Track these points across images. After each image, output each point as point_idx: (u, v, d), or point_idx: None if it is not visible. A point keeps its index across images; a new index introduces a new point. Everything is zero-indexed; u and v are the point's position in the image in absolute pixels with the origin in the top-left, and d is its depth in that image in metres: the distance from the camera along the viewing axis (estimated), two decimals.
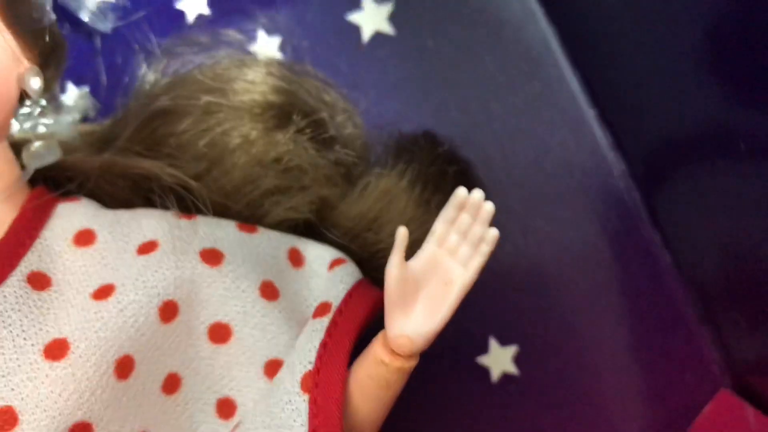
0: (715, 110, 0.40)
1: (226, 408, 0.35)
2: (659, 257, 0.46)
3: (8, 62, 0.35)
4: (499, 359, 0.45)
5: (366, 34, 0.47)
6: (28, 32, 0.36)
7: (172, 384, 0.34)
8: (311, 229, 0.40)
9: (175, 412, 0.34)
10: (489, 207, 0.32)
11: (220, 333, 0.35)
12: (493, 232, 0.32)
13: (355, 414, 0.33)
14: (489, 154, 0.46)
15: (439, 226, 0.32)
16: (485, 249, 0.32)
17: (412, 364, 0.33)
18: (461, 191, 0.32)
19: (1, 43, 0.35)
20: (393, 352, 0.32)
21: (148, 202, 0.38)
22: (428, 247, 0.32)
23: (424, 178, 0.39)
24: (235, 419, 0.34)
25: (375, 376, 0.32)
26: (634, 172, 0.46)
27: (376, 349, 0.33)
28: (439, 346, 0.45)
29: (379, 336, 0.33)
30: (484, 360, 0.45)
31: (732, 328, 0.44)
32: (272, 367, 0.35)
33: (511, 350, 0.45)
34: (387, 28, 0.47)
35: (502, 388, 0.45)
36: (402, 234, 0.31)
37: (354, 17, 0.47)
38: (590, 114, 0.46)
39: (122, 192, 0.38)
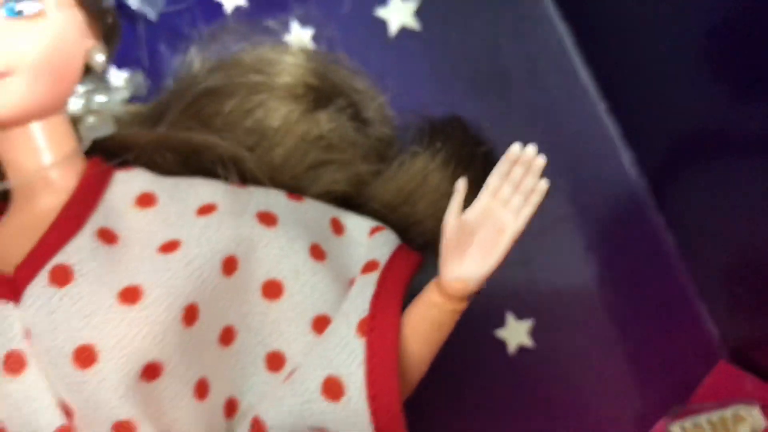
0: (717, 102, 0.43)
1: (275, 361, 0.37)
2: (664, 240, 0.49)
3: (78, 36, 0.38)
4: (516, 332, 0.48)
5: (393, 28, 0.50)
6: (94, 11, 0.39)
7: (228, 336, 0.37)
8: (351, 202, 0.42)
9: (229, 364, 0.37)
10: (541, 160, 0.35)
11: (273, 289, 0.37)
12: (544, 183, 0.35)
13: (408, 355, 0.36)
14: (507, 142, 0.49)
15: (493, 179, 0.35)
16: (535, 199, 0.35)
17: (463, 306, 0.36)
18: (516, 147, 0.35)
19: (73, 18, 0.37)
20: (447, 295, 0.35)
21: (198, 175, 0.41)
22: (483, 199, 0.35)
23: (456, 157, 0.42)
24: (285, 370, 0.37)
25: (429, 318, 0.35)
26: (642, 161, 0.50)
27: (430, 293, 0.35)
28: (459, 320, 0.49)
29: (432, 283, 0.36)
30: (501, 333, 0.48)
31: (729, 304, 0.48)
32: (320, 323, 0.37)
33: (527, 324, 0.48)
34: (413, 23, 0.50)
35: (518, 359, 0.48)
36: (461, 186, 0.34)
37: (382, 12, 0.50)
38: (602, 107, 0.50)
39: (173, 165, 0.41)
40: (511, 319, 0.48)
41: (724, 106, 0.43)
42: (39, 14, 0.36)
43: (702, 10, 0.41)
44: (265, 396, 0.37)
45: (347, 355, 0.35)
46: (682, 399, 0.48)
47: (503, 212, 0.35)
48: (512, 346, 0.48)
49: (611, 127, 0.50)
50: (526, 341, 0.48)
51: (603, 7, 0.48)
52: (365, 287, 0.37)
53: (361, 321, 0.35)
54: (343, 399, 0.35)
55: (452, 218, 0.34)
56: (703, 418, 0.43)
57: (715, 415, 0.43)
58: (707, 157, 0.46)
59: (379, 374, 0.34)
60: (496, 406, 0.48)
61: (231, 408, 0.37)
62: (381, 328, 0.35)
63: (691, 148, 0.47)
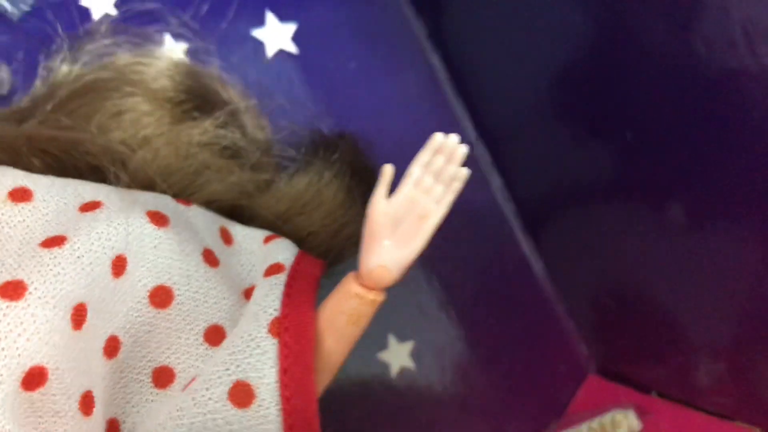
0: (570, 134, 0.47)
1: (163, 376, 0.34)
2: (532, 263, 0.51)
3: None
4: (398, 354, 0.47)
5: (270, 50, 0.49)
6: None
7: (112, 347, 0.33)
8: (242, 213, 0.40)
9: (112, 379, 0.33)
10: (463, 149, 0.35)
11: (161, 297, 0.34)
12: (465, 170, 0.35)
13: (323, 351, 0.34)
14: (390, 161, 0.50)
15: (415, 169, 0.35)
16: (457, 186, 0.35)
17: (383, 297, 0.34)
18: (438, 136, 0.35)
19: None
20: (367, 285, 0.34)
21: (73, 177, 0.37)
22: (405, 188, 0.34)
23: (350, 168, 0.42)
24: (174, 387, 0.33)
25: (347, 311, 0.34)
26: (510, 185, 0.52)
27: (349, 285, 0.34)
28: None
29: (350, 275, 0.34)
30: (384, 355, 0.47)
31: (595, 323, 0.50)
32: (213, 334, 0.34)
33: (409, 345, 0.48)
34: (290, 47, 0.50)
35: (401, 380, 0.47)
36: (387, 170, 0.33)
37: (258, 33, 0.49)
38: (473, 136, 0.52)
39: (45, 165, 0.37)
40: (393, 341, 0.48)
41: (575, 139, 0.47)
42: None
43: (553, 61, 0.45)
44: (150, 414, 0.33)
45: (258, 358, 0.32)
46: (557, 413, 0.49)
47: (426, 200, 0.35)
48: (395, 368, 0.47)
49: (481, 154, 0.52)
50: (408, 363, 0.48)
51: (475, 42, 0.51)
52: (273, 288, 0.35)
53: (272, 321, 0.33)
54: (253, 405, 0.32)
55: (379, 202, 0.34)
56: (584, 427, 0.44)
57: (595, 422, 0.44)
58: (571, 184, 0.49)
59: (294, 374, 0.32)
60: (382, 428, 0.46)
61: (112, 430, 0.33)
62: (295, 327, 0.33)
63: (555, 176, 0.50)
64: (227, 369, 0.32)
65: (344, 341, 0.34)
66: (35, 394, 0.29)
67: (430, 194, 0.35)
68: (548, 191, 0.51)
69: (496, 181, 0.52)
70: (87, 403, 0.31)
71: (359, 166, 0.42)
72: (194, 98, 0.41)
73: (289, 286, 0.34)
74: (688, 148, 0.39)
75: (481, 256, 0.51)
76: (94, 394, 0.32)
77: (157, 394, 0.34)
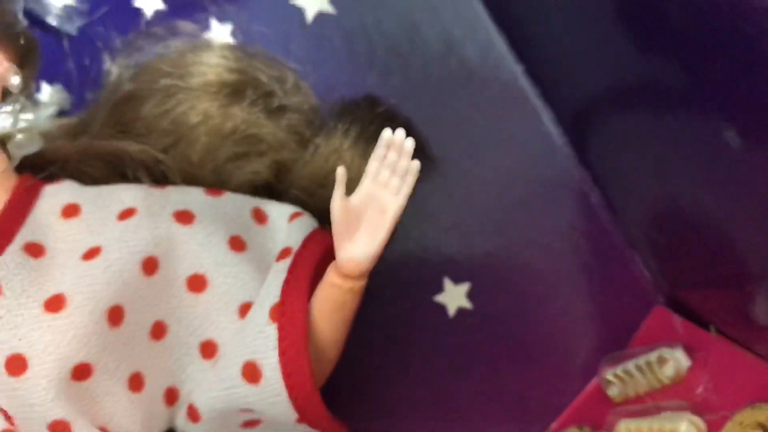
0: (623, 59, 0.44)
1: (209, 349, 0.40)
2: (590, 194, 0.51)
3: None
4: (454, 296, 0.50)
5: (309, 14, 0.51)
6: (3, 36, 0.40)
7: (159, 331, 0.39)
8: (272, 190, 0.44)
9: (164, 356, 0.39)
10: (409, 143, 0.36)
11: (197, 283, 0.39)
12: (416, 164, 0.36)
13: (318, 334, 0.38)
14: (429, 113, 0.50)
15: (372, 164, 0.37)
16: (411, 178, 0.37)
17: (361, 284, 0.38)
18: (386, 133, 0.36)
19: None
20: (344, 275, 0.37)
21: (124, 179, 0.43)
22: (365, 184, 0.37)
23: (366, 135, 0.44)
24: (218, 356, 0.39)
25: (331, 299, 0.37)
26: (562, 119, 0.51)
27: (329, 276, 0.37)
28: (399, 288, 0.51)
29: (332, 265, 0.38)
30: (440, 298, 0.50)
31: (659, 252, 0.49)
32: (246, 309, 0.39)
33: (465, 287, 0.50)
34: (328, 8, 0.51)
35: (459, 321, 0.50)
36: (340, 173, 0.36)
37: (297, 0, 0.51)
38: (519, 70, 0.51)
39: (99, 172, 0.43)
40: (448, 284, 0.50)
41: (634, 60, 0.44)
42: None
43: None
44: (200, 383, 0.39)
45: (262, 341, 0.37)
46: (622, 346, 0.50)
47: (384, 194, 0.36)
48: (452, 309, 0.50)
49: (529, 89, 0.51)
50: (466, 304, 0.50)
51: None
52: (278, 274, 0.39)
53: (273, 307, 0.37)
54: (262, 381, 0.37)
55: (337, 203, 0.36)
56: (631, 364, 0.45)
57: (642, 360, 0.44)
58: (624, 110, 0.47)
59: (291, 356, 0.37)
60: (442, 368, 0.50)
61: (171, 396, 0.40)
62: (290, 313, 0.37)
63: (608, 106, 0.48)
64: (240, 351, 0.38)
65: (333, 324, 0.38)
66: (86, 383, 0.36)
67: (387, 187, 0.36)
68: (603, 120, 0.49)
69: (548, 116, 0.51)
70: (136, 382, 0.38)
71: (376, 129, 0.44)
72: (238, 83, 0.45)
73: (290, 272, 0.38)
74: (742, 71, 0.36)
75: (537, 193, 0.51)
76: (144, 372, 0.38)
77: (205, 363, 0.40)
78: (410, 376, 0.50)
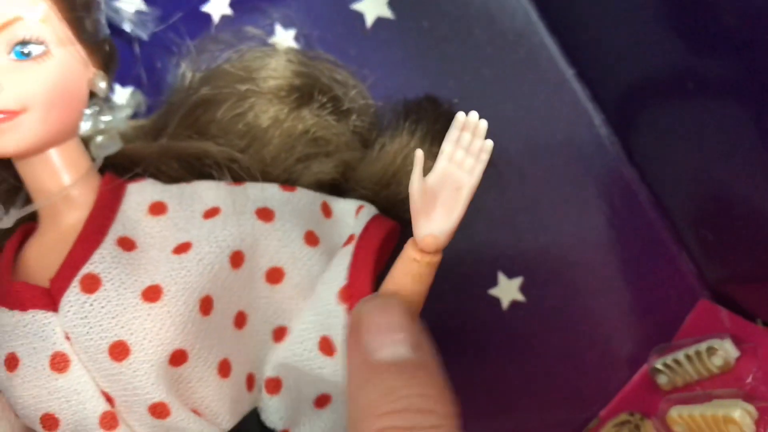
0: (669, 58, 0.47)
1: (281, 334, 0.43)
2: (638, 192, 0.53)
3: (80, 68, 0.42)
4: (508, 290, 0.52)
5: (369, 20, 0.54)
6: (92, 44, 0.43)
7: (241, 320, 0.42)
8: (341, 188, 0.47)
9: (245, 344, 0.42)
10: (483, 123, 0.39)
11: (275, 275, 0.42)
12: (489, 143, 0.39)
13: None
14: (484, 114, 0.52)
15: (447, 145, 0.39)
16: (484, 157, 0.39)
17: (438, 258, 0.40)
18: (461, 114, 0.39)
19: (75, 53, 0.42)
20: (422, 250, 0.39)
21: (201, 178, 0.45)
22: (440, 163, 0.39)
23: (431, 133, 0.46)
24: (287, 339, 0.42)
25: (410, 272, 0.39)
26: (612, 120, 0.53)
27: (408, 251, 0.40)
28: (456, 282, 0.53)
29: (409, 241, 0.40)
30: (494, 291, 0.53)
31: (705, 246, 0.51)
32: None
33: (518, 281, 0.52)
34: (387, 13, 0.54)
35: (512, 314, 0.52)
36: (419, 155, 0.38)
37: (357, 5, 0.54)
38: (570, 73, 0.53)
39: (178, 172, 0.46)
40: (502, 278, 0.53)
41: (681, 60, 0.46)
42: (44, 54, 0.40)
43: None
44: (274, 360, 0.42)
45: (333, 320, 0.40)
46: (668, 338, 0.52)
47: (459, 172, 0.39)
48: (506, 302, 0.52)
49: (580, 91, 0.53)
50: (519, 297, 0.52)
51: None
52: (343, 258, 0.42)
53: (341, 289, 0.40)
54: (336, 355, 0.40)
55: (416, 184, 0.38)
56: (681, 354, 0.47)
57: (691, 350, 0.47)
58: (671, 112, 0.49)
59: None
60: (496, 358, 0.52)
61: (251, 382, 0.42)
62: (358, 295, 0.40)
63: (656, 105, 0.50)
64: (314, 327, 0.41)
65: (413, 296, 0.40)
66: (181, 368, 0.39)
67: (462, 166, 0.39)
68: (651, 121, 0.51)
69: (598, 117, 0.53)
70: (224, 368, 0.41)
71: (441, 127, 0.46)
72: (306, 87, 0.47)
73: (355, 256, 0.41)
74: None
75: (587, 191, 0.53)
76: (231, 359, 0.41)
77: (277, 347, 0.42)
78: (466, 366, 0.52)
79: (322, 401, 0.43)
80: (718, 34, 0.42)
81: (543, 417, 0.52)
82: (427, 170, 0.41)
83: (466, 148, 0.38)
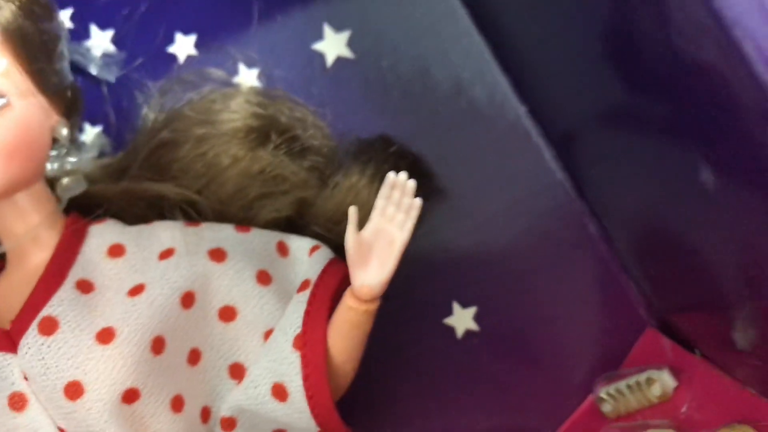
0: (612, 96, 0.48)
1: (237, 370, 0.44)
2: (588, 224, 0.55)
3: (42, 118, 0.44)
4: (462, 319, 0.54)
5: (329, 59, 0.56)
6: (54, 93, 0.45)
7: (194, 357, 0.44)
8: (294, 225, 0.49)
9: (199, 379, 0.44)
10: (411, 183, 0.42)
11: (228, 313, 0.44)
12: (418, 201, 0.42)
13: (337, 353, 0.43)
14: (438, 150, 0.55)
15: (380, 201, 0.42)
16: (414, 213, 0.42)
17: (375, 306, 0.43)
18: (391, 175, 0.41)
19: (36, 104, 0.44)
20: (359, 299, 0.42)
21: (162, 216, 0.48)
22: (374, 219, 0.42)
23: (381, 172, 0.48)
24: (246, 377, 0.44)
25: (348, 320, 0.42)
26: (562, 156, 0.55)
27: (346, 299, 0.43)
28: (411, 312, 0.55)
29: (348, 290, 0.43)
30: (449, 320, 0.55)
31: (650, 277, 0.53)
32: (269, 334, 0.44)
33: (472, 311, 0.54)
34: (347, 53, 0.56)
35: (466, 342, 0.54)
36: (352, 211, 0.41)
37: (318, 45, 0.56)
38: (522, 110, 0.55)
39: (140, 211, 0.48)
40: (457, 308, 0.55)
41: (622, 99, 0.48)
42: (5, 107, 0.42)
43: (591, 22, 0.46)
44: (230, 399, 0.44)
45: (287, 366, 0.42)
46: (616, 365, 0.54)
47: (391, 227, 0.41)
48: (460, 331, 0.55)
49: (531, 128, 0.55)
50: (473, 326, 0.54)
51: (516, 22, 0.53)
52: (298, 305, 0.44)
53: (296, 337, 0.43)
54: (288, 400, 0.42)
55: (350, 237, 0.41)
56: (623, 384, 0.49)
57: (632, 380, 0.49)
58: (615, 149, 0.51)
59: (313, 380, 0.42)
60: (450, 386, 0.54)
61: (206, 415, 0.45)
62: (312, 342, 0.42)
63: (601, 141, 0.52)
64: (268, 373, 0.43)
65: (351, 342, 0.43)
66: (134, 406, 0.41)
67: (393, 222, 0.41)
68: (598, 157, 0.53)
69: (548, 152, 0.55)
70: (177, 404, 0.43)
71: (390, 167, 0.48)
72: (264, 127, 0.50)
73: (310, 304, 0.43)
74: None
75: (539, 224, 0.55)
76: (184, 395, 0.43)
77: (233, 383, 0.45)
78: (420, 393, 0.54)
79: None
80: (651, 76, 0.44)
81: None
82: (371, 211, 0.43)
83: (397, 205, 0.41)
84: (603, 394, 0.50)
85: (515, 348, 0.55)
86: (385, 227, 0.41)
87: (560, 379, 0.54)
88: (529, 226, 0.55)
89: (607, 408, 0.50)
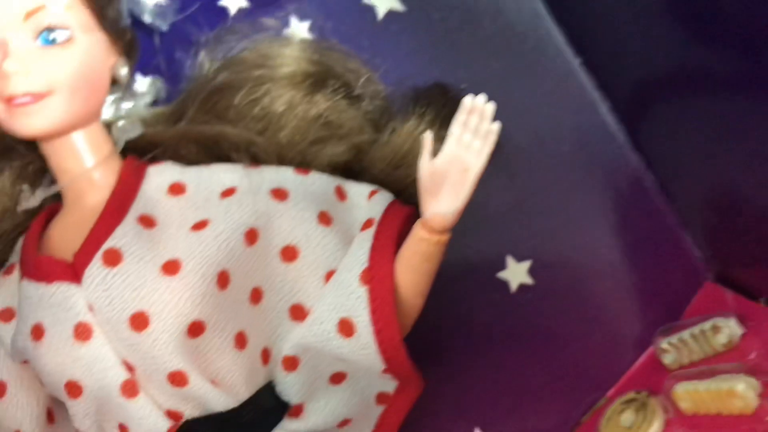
0: (680, 44, 0.48)
1: (297, 312, 0.44)
2: (644, 177, 0.54)
3: (103, 54, 0.44)
4: (516, 273, 0.54)
5: (380, 12, 0.55)
6: (114, 32, 0.45)
7: (256, 296, 0.43)
8: (352, 171, 0.48)
9: (259, 319, 0.43)
10: (490, 107, 0.40)
11: (289, 253, 0.44)
12: (496, 125, 0.40)
13: (405, 287, 0.42)
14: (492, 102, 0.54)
15: (455, 128, 0.41)
16: (491, 139, 0.41)
17: (446, 238, 0.42)
18: (468, 99, 0.40)
19: (98, 40, 0.43)
20: (431, 230, 0.41)
21: (219, 161, 0.47)
22: (448, 146, 0.41)
23: (440, 118, 0.47)
24: (308, 317, 0.43)
25: (419, 252, 0.41)
26: (618, 108, 0.54)
27: (417, 230, 0.41)
28: (465, 265, 0.55)
29: (418, 222, 0.42)
30: (503, 275, 0.54)
31: (709, 230, 0.52)
32: (330, 276, 0.44)
33: (526, 264, 0.54)
34: (398, 6, 0.55)
35: (520, 297, 0.53)
36: (428, 137, 0.40)
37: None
38: (576, 63, 0.55)
39: (196, 156, 0.47)
40: (511, 262, 0.54)
41: (687, 49, 0.48)
42: (69, 40, 0.42)
43: None
44: (292, 339, 0.43)
45: (354, 301, 0.41)
46: (673, 320, 0.53)
47: (467, 154, 0.40)
48: (514, 285, 0.54)
49: (587, 80, 0.54)
50: (527, 280, 0.54)
51: None
52: (364, 242, 0.43)
53: (363, 272, 0.42)
54: (355, 336, 0.41)
55: (424, 165, 0.40)
56: (686, 333, 0.48)
57: (696, 329, 0.48)
58: (677, 97, 0.50)
59: (381, 314, 0.41)
60: (504, 341, 0.53)
61: (266, 356, 0.44)
62: (379, 277, 0.41)
63: (662, 93, 0.51)
64: (334, 309, 0.42)
65: (421, 275, 0.42)
66: (198, 339, 0.40)
67: (470, 149, 0.40)
68: (657, 108, 0.52)
69: (604, 105, 0.54)
70: (241, 341, 0.42)
71: (449, 112, 0.47)
72: (319, 74, 0.49)
73: (376, 239, 0.42)
74: None
75: (594, 176, 0.54)
76: (246, 332, 0.42)
77: (293, 325, 0.44)
78: (473, 348, 0.53)
79: (337, 378, 0.45)
80: (722, 25, 0.43)
81: (550, 398, 0.53)
82: (435, 153, 0.43)
83: (474, 131, 0.40)
84: (664, 345, 0.49)
85: (570, 302, 0.54)
86: (460, 154, 0.40)
87: (617, 334, 0.53)
88: (584, 179, 0.54)
89: (669, 359, 0.49)
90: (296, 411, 0.44)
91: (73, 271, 0.40)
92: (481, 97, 0.41)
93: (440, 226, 0.41)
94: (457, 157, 0.40)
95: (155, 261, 0.40)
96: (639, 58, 0.51)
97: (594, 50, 0.54)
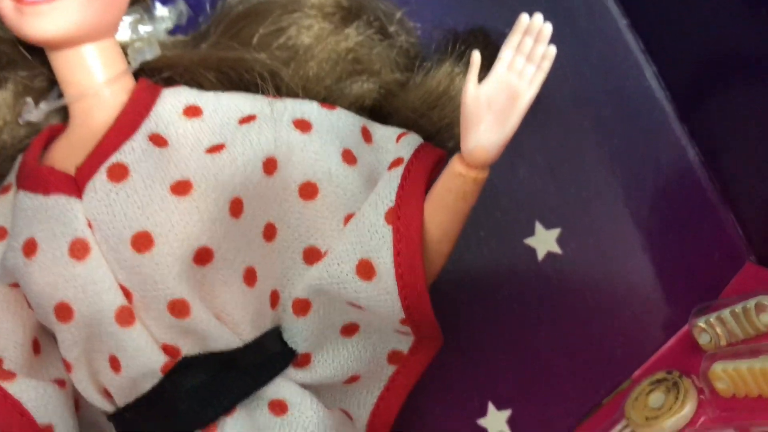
0: (734, 14, 0.44)
1: (312, 255, 0.40)
2: (687, 149, 0.51)
3: None
4: (544, 240, 0.50)
5: None
6: None
7: (270, 232, 0.40)
8: (381, 112, 0.45)
9: (271, 257, 0.40)
10: (548, 27, 0.36)
11: (309, 190, 0.40)
12: (553, 49, 0.37)
13: (434, 229, 0.39)
14: None
15: (506, 51, 0.37)
16: (546, 64, 0.37)
17: (484, 175, 0.38)
18: (524, 17, 0.37)
19: None
20: (469, 164, 0.37)
21: (237, 90, 0.44)
22: (497, 70, 0.37)
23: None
24: (324, 257, 0.40)
25: (454, 189, 0.38)
26: (664, 73, 0.51)
27: (454, 165, 0.38)
28: (491, 229, 0.51)
29: (455, 156, 0.38)
30: (530, 241, 0.50)
31: (754, 208, 0.49)
32: (349, 219, 0.40)
33: (555, 232, 0.50)
34: None
35: (547, 265, 0.50)
36: (476, 58, 0.36)
37: None
38: (623, 23, 0.52)
39: (214, 85, 0.44)
40: (539, 228, 0.50)
41: (740, 18, 0.44)
42: None
43: None
44: (304, 281, 0.40)
45: (377, 241, 0.38)
46: (711, 299, 0.49)
47: (518, 81, 0.36)
48: (541, 253, 0.50)
49: (633, 43, 0.51)
50: (555, 248, 0.50)
51: None
52: (391, 180, 0.39)
53: (389, 210, 0.38)
54: (375, 278, 0.38)
55: (470, 89, 0.36)
56: (726, 312, 0.45)
57: (738, 307, 0.44)
58: (726, 68, 0.47)
59: (405, 256, 0.37)
60: (528, 309, 0.50)
61: (275, 299, 0.40)
62: (406, 217, 0.38)
63: (710, 59, 0.48)
64: (354, 249, 0.38)
65: (453, 215, 0.39)
66: (206, 268, 0.37)
67: (522, 75, 0.36)
68: (707, 78, 0.49)
69: (650, 69, 0.51)
70: (250, 277, 0.39)
71: (489, 55, 0.44)
72: (351, 6, 0.46)
73: (404, 178, 0.39)
74: None
75: (634, 144, 0.51)
76: (257, 269, 0.39)
77: (307, 269, 0.40)
78: (496, 314, 0.50)
79: (348, 330, 0.41)
80: None
81: (570, 377, 0.50)
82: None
83: (527, 55, 0.36)
84: (701, 323, 0.46)
85: (600, 276, 0.50)
86: (511, 81, 0.36)
87: (647, 313, 0.50)
88: (623, 147, 0.51)
89: (705, 339, 0.45)
90: (303, 361, 0.41)
91: (74, 184, 0.37)
92: (539, 16, 0.37)
93: (481, 161, 0.37)
94: (507, 84, 0.37)
95: (165, 180, 0.37)
96: (689, 22, 0.48)
97: (642, 11, 0.51)
